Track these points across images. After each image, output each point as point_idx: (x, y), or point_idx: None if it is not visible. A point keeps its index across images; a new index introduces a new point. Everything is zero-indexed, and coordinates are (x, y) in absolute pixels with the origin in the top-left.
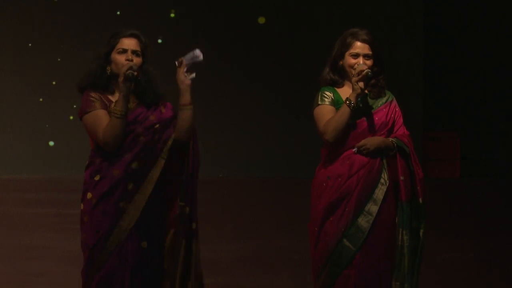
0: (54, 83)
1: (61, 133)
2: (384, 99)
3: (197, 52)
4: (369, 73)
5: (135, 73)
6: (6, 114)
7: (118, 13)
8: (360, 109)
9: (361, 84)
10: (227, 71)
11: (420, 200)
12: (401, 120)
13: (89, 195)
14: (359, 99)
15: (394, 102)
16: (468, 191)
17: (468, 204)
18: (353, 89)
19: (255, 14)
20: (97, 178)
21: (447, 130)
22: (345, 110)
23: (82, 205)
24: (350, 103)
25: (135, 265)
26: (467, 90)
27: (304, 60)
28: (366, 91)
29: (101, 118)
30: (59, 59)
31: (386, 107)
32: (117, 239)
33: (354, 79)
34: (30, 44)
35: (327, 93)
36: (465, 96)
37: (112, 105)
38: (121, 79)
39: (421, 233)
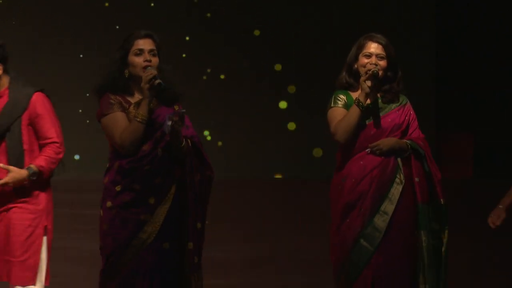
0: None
1: (74, 134)
2: (397, 103)
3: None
4: (375, 71)
5: (161, 82)
6: None
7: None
8: (373, 111)
9: (368, 83)
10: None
11: (442, 201)
12: (416, 123)
13: (108, 203)
14: (370, 101)
15: (408, 105)
16: (481, 191)
17: (481, 204)
18: (362, 89)
19: (252, 26)
20: (118, 188)
21: (460, 130)
22: (354, 111)
23: (101, 211)
24: (359, 103)
25: (154, 266)
26: (480, 90)
27: (317, 61)
28: (378, 95)
29: (118, 121)
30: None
31: (399, 110)
32: (135, 249)
33: (362, 78)
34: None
35: (341, 96)
36: (479, 96)
37: (131, 107)
38: (145, 86)
39: (444, 236)
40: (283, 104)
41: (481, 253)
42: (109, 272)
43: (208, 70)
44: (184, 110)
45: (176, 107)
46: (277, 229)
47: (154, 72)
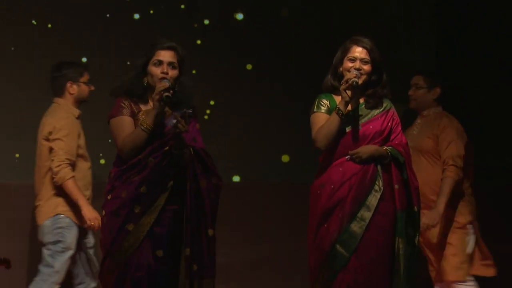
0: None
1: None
2: (381, 108)
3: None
4: (355, 83)
5: (170, 95)
6: (15, 120)
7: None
8: (354, 117)
9: (348, 92)
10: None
11: (415, 208)
12: (399, 128)
13: (103, 211)
14: (351, 109)
15: (392, 110)
16: (481, 197)
17: (481, 210)
18: (342, 97)
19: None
20: (109, 197)
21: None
22: (334, 118)
23: (101, 220)
24: (338, 111)
25: (151, 275)
26: (480, 96)
27: (316, 63)
28: (362, 100)
29: (125, 125)
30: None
31: (382, 116)
32: (119, 257)
33: (342, 87)
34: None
35: (324, 101)
36: (479, 102)
37: (140, 114)
38: (156, 97)
39: (416, 241)
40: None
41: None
42: (103, 279)
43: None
44: (190, 111)
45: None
46: (277, 232)
47: (167, 84)
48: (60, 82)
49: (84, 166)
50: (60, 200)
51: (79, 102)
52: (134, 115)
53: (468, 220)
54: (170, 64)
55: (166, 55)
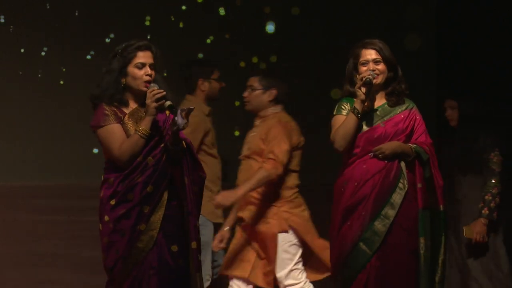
0: (61, 82)
1: (71, 139)
2: (403, 107)
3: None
4: (367, 79)
5: (173, 104)
6: (16, 120)
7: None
8: (377, 115)
9: (363, 89)
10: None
11: (441, 207)
12: (422, 128)
13: (106, 217)
14: (368, 106)
15: (414, 110)
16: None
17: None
18: (357, 96)
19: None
20: (113, 202)
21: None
22: (351, 118)
23: (100, 226)
24: (354, 109)
25: (162, 271)
26: (481, 95)
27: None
28: (384, 99)
29: (115, 133)
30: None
31: (404, 114)
32: (134, 259)
33: (357, 85)
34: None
35: (345, 104)
36: (481, 101)
37: (126, 118)
38: (152, 104)
39: (443, 242)
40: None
41: None
42: (114, 284)
43: None
44: (193, 108)
45: (168, 112)
46: None
47: (162, 91)
48: (191, 80)
49: (213, 162)
50: None
51: (210, 99)
52: (120, 121)
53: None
54: (151, 65)
55: (146, 57)
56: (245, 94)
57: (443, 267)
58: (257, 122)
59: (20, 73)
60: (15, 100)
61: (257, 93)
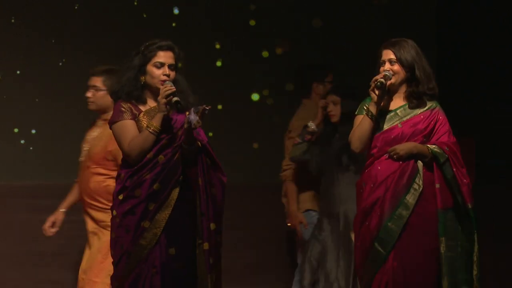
0: (61, 82)
1: (71, 139)
2: (424, 108)
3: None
4: (379, 83)
5: (179, 100)
6: (16, 120)
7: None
8: (396, 116)
9: (376, 92)
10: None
11: (469, 205)
12: (445, 128)
13: (114, 212)
14: (382, 107)
15: (437, 110)
16: (483, 196)
17: (483, 210)
18: (371, 98)
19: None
20: (121, 197)
21: (462, 135)
22: (365, 120)
23: (111, 221)
24: (368, 112)
25: (164, 270)
26: (482, 94)
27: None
28: (404, 101)
29: (128, 128)
30: (60, 63)
31: (424, 115)
32: (138, 256)
33: (371, 88)
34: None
35: (367, 104)
36: (481, 101)
37: (141, 115)
38: (162, 100)
39: (475, 240)
40: (270, 101)
41: (483, 258)
42: (117, 279)
43: None
44: (209, 107)
45: (187, 112)
46: (278, 235)
47: (173, 88)
48: (305, 83)
49: None
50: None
51: None
52: (135, 118)
53: None
54: (170, 66)
55: (166, 57)
56: (89, 94)
57: (479, 264)
58: (99, 123)
59: (19, 72)
60: (15, 100)
61: (102, 94)
